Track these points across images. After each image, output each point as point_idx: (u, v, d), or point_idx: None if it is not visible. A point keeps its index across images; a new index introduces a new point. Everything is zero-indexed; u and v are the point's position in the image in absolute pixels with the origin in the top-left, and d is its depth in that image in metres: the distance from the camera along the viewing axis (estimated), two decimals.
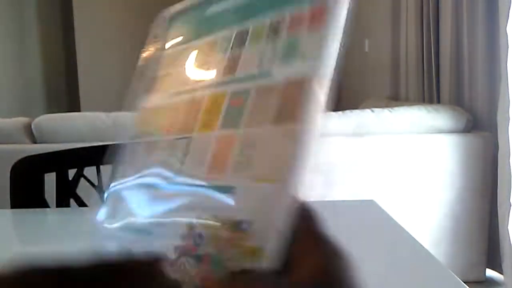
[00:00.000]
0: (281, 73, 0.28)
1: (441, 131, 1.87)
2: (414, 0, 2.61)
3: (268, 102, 0.27)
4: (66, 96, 4.48)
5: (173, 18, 0.40)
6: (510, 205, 1.77)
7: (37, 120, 1.91)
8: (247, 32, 0.32)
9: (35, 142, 1.92)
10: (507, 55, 1.72)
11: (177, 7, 0.39)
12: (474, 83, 2.04)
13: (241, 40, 0.32)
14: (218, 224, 0.25)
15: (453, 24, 2.18)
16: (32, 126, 1.91)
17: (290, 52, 0.28)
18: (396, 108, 1.91)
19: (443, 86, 2.31)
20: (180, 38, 0.38)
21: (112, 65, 4.62)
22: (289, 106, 0.26)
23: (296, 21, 0.30)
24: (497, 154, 1.82)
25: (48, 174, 0.95)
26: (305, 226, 0.23)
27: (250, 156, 0.26)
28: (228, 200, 0.25)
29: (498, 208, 1.83)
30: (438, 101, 2.36)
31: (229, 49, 0.32)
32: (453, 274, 0.53)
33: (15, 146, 1.88)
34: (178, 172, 0.29)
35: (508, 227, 1.77)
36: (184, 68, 0.35)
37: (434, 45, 2.39)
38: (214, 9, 0.36)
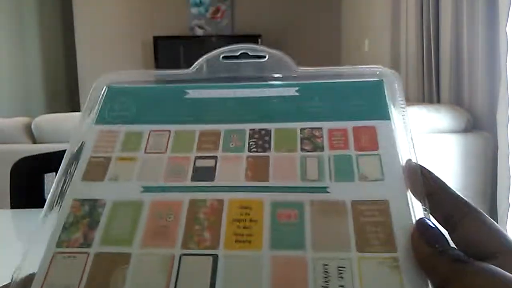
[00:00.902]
0: (343, 192, 0.27)
1: (441, 131, 1.87)
2: (414, 0, 2.61)
3: (334, 221, 0.26)
4: (66, 96, 4.49)
5: (123, 92, 0.34)
6: (509, 205, 1.77)
7: (37, 120, 1.92)
8: (268, 133, 0.31)
9: (35, 142, 1.92)
10: (507, 55, 1.72)
11: (129, 75, 0.35)
12: (474, 83, 2.04)
13: (261, 140, 0.31)
14: None
15: (453, 24, 2.18)
16: (32, 126, 1.91)
17: (345, 170, 0.28)
18: None
19: (443, 86, 2.31)
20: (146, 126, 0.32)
21: (112, 65, 4.62)
22: (374, 232, 0.25)
23: (338, 136, 0.30)
24: (497, 154, 1.82)
25: (48, 174, 0.95)
26: None
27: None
28: None
29: (498, 208, 1.83)
30: (438, 101, 2.36)
31: (245, 148, 0.30)
32: None
33: (15, 146, 1.88)
34: None
35: (507, 227, 1.77)
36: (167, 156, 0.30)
37: (434, 45, 2.39)
38: (198, 92, 0.34)
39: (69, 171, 0.30)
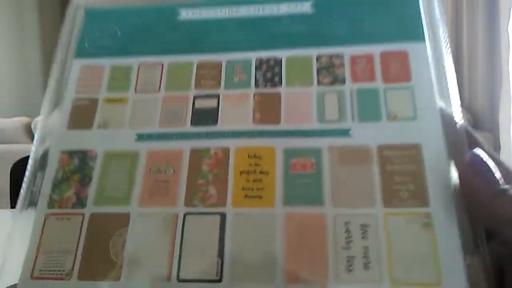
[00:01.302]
0: (367, 135, 0.23)
1: None
2: None
3: (357, 171, 0.22)
4: None
5: (100, 15, 0.29)
6: None
7: (37, 120, 1.87)
8: (278, 63, 0.26)
9: None
10: (508, 54, 1.65)
11: None
12: (474, 83, 1.99)
13: (270, 72, 0.26)
14: None
15: (453, 24, 2.04)
16: (32, 126, 1.87)
17: (371, 108, 0.24)
18: None
19: None
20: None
21: None
22: (403, 183, 0.22)
23: (362, 64, 0.25)
24: (498, 154, 1.77)
25: None
26: None
27: (369, 250, 0.21)
28: None
29: None
30: None
31: (251, 83, 0.25)
32: None
33: (15, 146, 1.86)
34: None
35: None
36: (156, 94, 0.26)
37: None
38: (193, 12, 0.28)
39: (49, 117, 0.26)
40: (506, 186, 0.19)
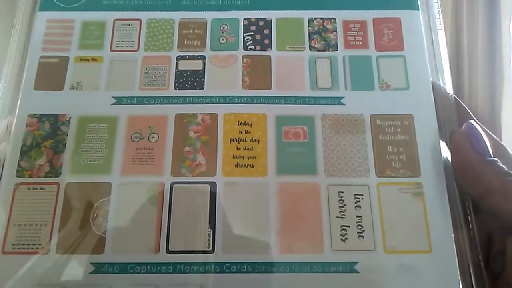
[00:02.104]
0: (360, 104, 0.23)
1: None
2: None
3: (350, 140, 0.22)
4: None
5: None
6: None
7: None
8: (268, 24, 0.24)
9: None
10: (511, 54, 1.64)
11: None
12: (474, 83, 1.96)
13: (259, 34, 0.24)
14: None
15: (453, 24, 2.00)
16: None
17: (364, 76, 0.23)
18: None
19: None
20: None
21: None
22: (396, 153, 0.22)
23: (356, 30, 0.24)
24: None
25: None
26: None
27: (363, 219, 0.21)
28: None
29: None
30: None
31: (239, 44, 0.24)
32: None
33: None
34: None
35: None
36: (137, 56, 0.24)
37: None
38: None
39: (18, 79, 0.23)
40: (495, 158, 0.20)
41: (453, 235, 0.20)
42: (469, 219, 0.20)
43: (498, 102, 1.99)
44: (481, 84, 2.10)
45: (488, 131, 0.21)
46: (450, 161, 0.21)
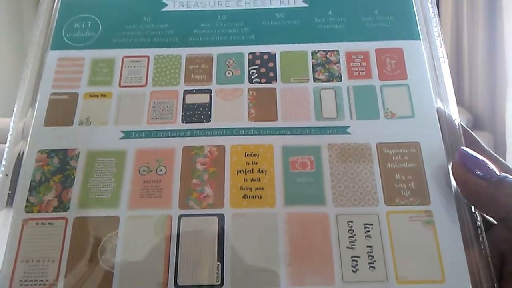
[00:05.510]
0: (366, 133, 0.23)
1: None
2: None
3: (357, 169, 0.22)
4: None
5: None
6: None
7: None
8: (273, 57, 0.25)
9: None
10: None
11: None
12: (474, 83, 1.98)
13: (264, 67, 0.25)
14: None
15: (453, 24, 2.05)
16: None
17: (368, 106, 0.23)
18: None
19: None
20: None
21: None
22: (404, 181, 0.21)
23: (358, 61, 0.25)
24: (497, 153, 1.77)
25: None
26: None
27: (373, 249, 0.20)
28: None
29: None
30: None
31: (245, 78, 0.25)
32: None
33: None
34: None
35: None
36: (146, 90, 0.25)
37: None
38: (180, 3, 0.27)
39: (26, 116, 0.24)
40: (503, 174, 0.20)
41: (466, 263, 0.20)
42: (481, 240, 0.20)
43: (499, 102, 1.95)
44: (481, 84, 2.07)
45: (490, 152, 0.21)
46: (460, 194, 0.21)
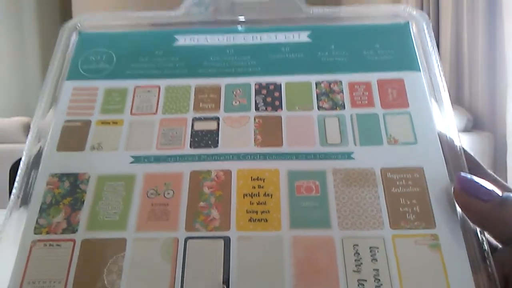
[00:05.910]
0: (370, 158, 0.23)
1: None
2: (414, 0, 2.48)
3: (362, 193, 0.22)
4: None
5: (92, 40, 0.28)
6: None
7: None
8: (278, 88, 0.26)
9: None
10: None
11: (98, 18, 0.29)
12: (474, 83, 1.99)
13: (269, 96, 0.26)
14: None
15: (453, 24, 2.10)
16: (31, 126, 1.86)
17: (372, 132, 0.24)
18: None
19: None
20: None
21: None
22: (409, 205, 0.22)
23: (361, 90, 0.26)
24: (497, 153, 1.76)
25: None
26: None
27: (380, 272, 0.20)
28: None
29: None
30: None
31: (251, 106, 0.26)
32: None
33: (15, 146, 1.83)
34: None
35: None
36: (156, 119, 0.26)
37: None
38: (191, 39, 0.28)
39: (39, 141, 0.25)
40: (506, 194, 0.20)
41: (474, 287, 0.19)
42: (488, 262, 0.20)
43: (499, 102, 1.88)
44: (481, 84, 2.02)
45: (491, 174, 0.22)
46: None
